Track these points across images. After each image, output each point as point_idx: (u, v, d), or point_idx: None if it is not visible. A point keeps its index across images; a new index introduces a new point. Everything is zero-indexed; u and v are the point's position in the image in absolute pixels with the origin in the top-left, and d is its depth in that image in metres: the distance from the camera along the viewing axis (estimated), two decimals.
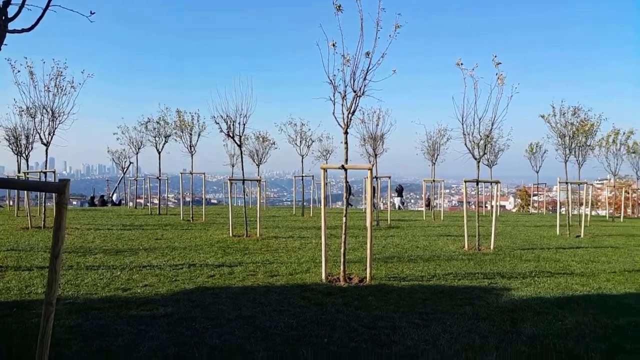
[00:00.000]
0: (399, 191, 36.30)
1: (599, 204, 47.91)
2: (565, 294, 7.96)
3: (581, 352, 5.13)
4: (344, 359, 4.79)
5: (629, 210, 38.48)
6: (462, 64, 11.85)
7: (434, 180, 25.09)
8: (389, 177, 21.08)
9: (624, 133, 25.43)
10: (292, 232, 15.71)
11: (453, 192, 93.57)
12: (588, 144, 18.49)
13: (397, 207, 37.27)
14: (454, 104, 12.44)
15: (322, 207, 8.84)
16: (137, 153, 25.83)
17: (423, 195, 27.47)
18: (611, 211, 32.38)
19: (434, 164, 23.95)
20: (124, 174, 32.55)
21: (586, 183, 19.96)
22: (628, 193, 35.58)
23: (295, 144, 23.47)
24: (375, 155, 19.33)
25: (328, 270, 8.73)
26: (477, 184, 13.65)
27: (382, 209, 25.69)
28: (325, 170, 9.14)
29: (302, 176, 24.63)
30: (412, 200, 39.76)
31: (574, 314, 6.69)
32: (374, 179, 20.27)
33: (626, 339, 5.65)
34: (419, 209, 33.27)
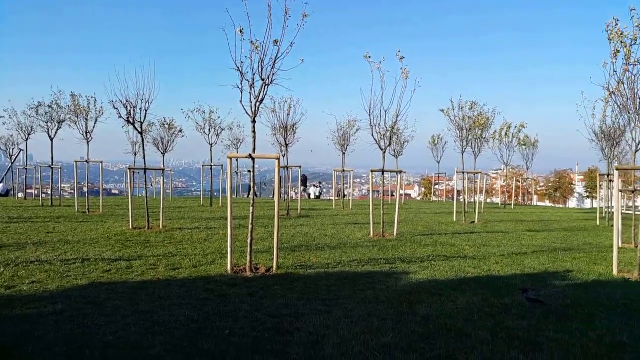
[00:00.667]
0: (303, 181, 36.91)
1: (494, 192, 52.21)
2: (459, 276, 8.60)
3: (470, 330, 5.59)
4: (245, 349, 4.80)
5: (520, 198, 42.35)
6: (370, 57, 12.26)
7: (344, 170, 25.77)
8: (300, 167, 21.30)
9: (515, 127, 27.92)
10: (198, 223, 15.35)
11: (364, 181, 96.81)
12: (483, 136, 20.06)
13: (311, 197, 37.86)
14: (362, 95, 12.85)
15: (229, 196, 8.75)
16: (26, 139, 23.65)
17: (333, 185, 28.12)
18: (504, 199, 35.46)
19: (344, 154, 24.58)
20: (12, 162, 29.68)
21: (481, 173, 21.65)
22: (519, 182, 39.15)
23: (204, 132, 22.87)
24: (287, 145, 19.42)
25: (234, 261, 8.67)
26: (383, 174, 14.24)
27: (294, 198, 25.93)
28: (233, 159, 9.02)
29: (211, 165, 24.10)
30: (325, 190, 40.65)
31: (465, 294, 7.26)
32: (285, 169, 20.37)
33: (510, 316, 6.25)
34: (330, 198, 34.02)
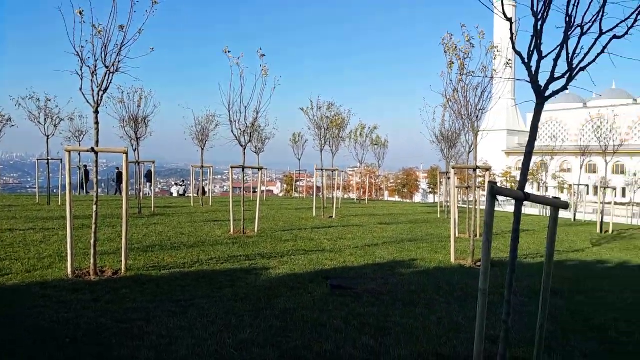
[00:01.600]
0: (148, 177, 35.21)
1: (350, 188, 55.32)
2: (317, 269, 8.96)
3: (325, 319, 5.85)
4: (90, 357, 4.42)
5: (373, 194, 45.53)
6: (229, 51, 12.11)
7: (202, 166, 25.11)
8: (153, 162, 20.22)
9: (369, 128, 29.96)
10: (33, 224, 13.70)
11: (225, 177, 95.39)
12: (340, 135, 21.17)
13: (173, 195, 36.25)
14: (221, 90, 12.63)
15: (68, 193, 7.94)
16: None
17: (191, 181, 27.25)
18: (359, 194, 37.82)
19: (203, 149, 23.95)
20: None
21: (338, 170, 22.83)
22: (372, 179, 42.06)
23: (38, 122, 20.39)
24: (137, 138, 18.29)
25: (76, 265, 7.91)
26: (244, 170, 14.20)
27: (148, 195, 24.52)
28: (73, 153, 8.21)
29: (48, 159, 21.63)
30: (190, 188, 39.30)
31: (322, 286, 7.58)
32: (136, 164, 19.16)
33: (361, 304, 6.68)
34: (189, 195, 32.87)
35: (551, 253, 4.39)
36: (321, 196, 21.89)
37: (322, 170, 20.40)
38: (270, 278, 8.10)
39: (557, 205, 4.28)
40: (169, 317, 5.70)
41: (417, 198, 67.17)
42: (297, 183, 45.56)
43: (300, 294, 7.06)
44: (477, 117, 9.79)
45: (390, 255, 10.92)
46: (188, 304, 6.31)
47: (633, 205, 46.00)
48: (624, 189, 57.95)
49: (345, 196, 42.37)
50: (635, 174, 60.49)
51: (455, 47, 9.58)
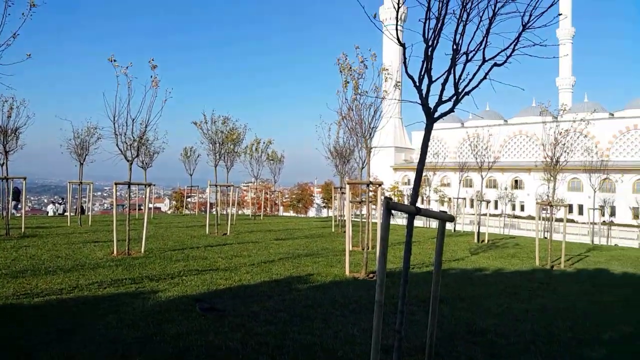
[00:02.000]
0: (15, 195, 32.05)
1: (245, 204, 54.66)
2: (211, 289, 8.67)
3: (220, 342, 5.65)
4: None
5: (268, 209, 45.46)
6: (115, 60, 11.45)
7: (81, 182, 23.23)
8: (25, 179, 18.30)
9: (264, 142, 29.98)
10: None
11: (106, 194, 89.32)
12: (235, 150, 20.89)
13: (49, 214, 33.02)
14: (105, 101, 11.85)
15: None
16: None
17: (68, 198, 25.06)
18: (254, 210, 37.52)
19: (82, 164, 22.18)
20: None
21: (233, 185, 22.47)
22: (267, 194, 42.00)
23: None
24: (6, 152, 16.52)
25: None
26: (129, 187, 13.39)
27: (16, 215, 22.10)
28: None
29: None
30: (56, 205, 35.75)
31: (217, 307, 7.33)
32: (3, 180, 17.19)
33: (259, 323, 6.57)
34: (67, 214, 30.19)
35: (439, 263, 4.70)
36: (215, 212, 21.35)
37: (216, 186, 19.93)
38: (159, 301, 7.66)
39: (444, 218, 4.59)
40: (43, 349, 5.12)
41: (312, 213, 68.40)
42: (188, 199, 44.01)
43: (194, 317, 6.77)
44: (370, 135, 10.26)
45: (287, 271, 10.93)
46: (66, 334, 5.74)
47: (504, 217, 51.13)
48: (496, 202, 64.18)
49: (240, 212, 41.81)
50: (506, 188, 67.43)
51: (350, 68, 10.00)
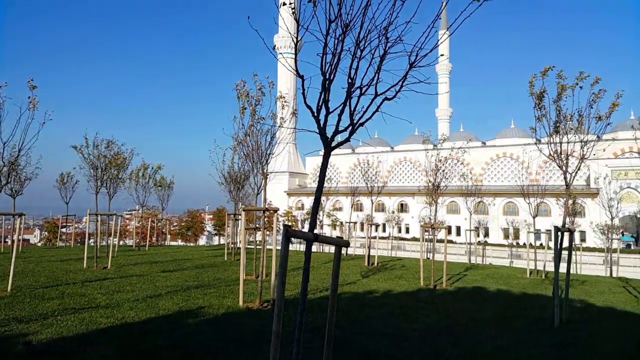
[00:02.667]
0: None
1: (127, 233, 51.47)
2: (90, 329, 7.98)
3: None
4: None
5: (154, 239, 43.22)
6: None
7: None
8: None
9: (152, 168, 28.68)
10: None
11: None
12: (120, 176, 19.71)
13: None
14: None
15: None
16: None
17: None
18: (138, 240, 35.44)
19: None
20: None
21: (115, 214, 21.09)
22: (154, 222, 39.98)
23: None
24: None
25: None
26: None
27: None
28: None
29: None
30: None
31: (98, 348, 6.77)
32: None
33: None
34: None
35: (335, 288, 4.81)
36: (93, 244, 19.81)
37: (96, 214, 18.55)
38: (30, 345, 6.89)
39: (340, 244, 4.74)
40: None
41: (202, 241, 66.33)
42: (62, 230, 40.39)
43: None
44: (267, 160, 10.32)
45: (176, 306, 10.43)
46: None
47: (392, 239, 53.83)
48: (384, 225, 67.39)
49: (122, 243, 39.25)
50: (393, 212, 71.17)
51: (248, 94, 10.04)
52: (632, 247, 54.66)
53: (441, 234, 46.17)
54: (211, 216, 69.21)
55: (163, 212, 37.47)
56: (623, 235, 53.80)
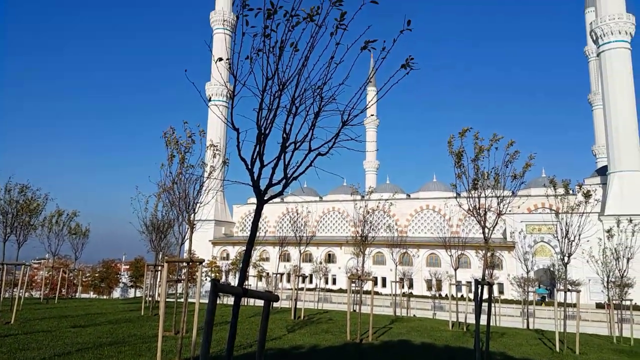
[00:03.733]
0: None
1: (35, 284, 47.52)
2: None
3: None
4: None
5: (65, 291, 40.14)
6: None
7: None
8: None
9: (67, 214, 27.02)
10: None
11: None
12: (32, 223, 18.41)
13: None
14: None
15: None
16: None
17: None
18: (46, 292, 32.75)
19: None
20: None
21: (24, 264, 19.49)
22: (65, 273, 37.23)
23: None
24: None
25: None
26: None
27: None
28: None
29: None
30: None
31: None
32: None
33: None
34: None
35: (263, 344, 4.72)
36: None
37: (2, 264, 17.04)
38: None
39: (270, 298, 4.69)
40: None
41: (116, 293, 62.53)
42: None
43: None
44: (194, 209, 10.11)
45: None
46: None
47: (318, 290, 53.53)
48: (311, 275, 67.01)
49: (28, 294, 36.08)
50: (320, 262, 71.17)
51: (177, 142, 9.93)
52: (547, 300, 57.90)
53: (368, 286, 46.66)
54: (128, 267, 65.72)
55: (76, 262, 35.08)
56: (539, 287, 56.97)
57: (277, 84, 3.52)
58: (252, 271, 55.20)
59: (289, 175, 3.60)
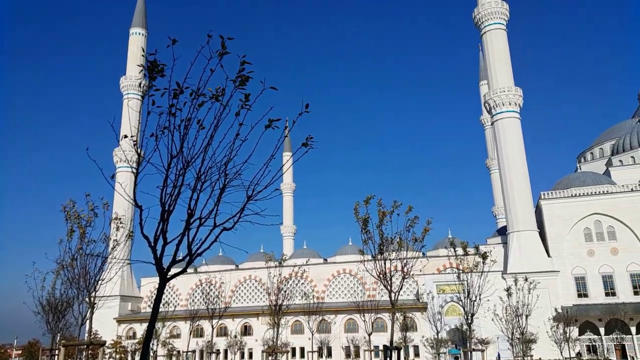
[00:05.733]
0: None
1: None
2: None
3: None
4: None
5: None
6: None
7: None
8: None
9: None
10: None
11: None
12: None
13: None
14: None
15: None
16: None
17: None
18: None
19: None
20: None
21: None
22: None
23: None
24: None
25: None
26: None
27: None
28: None
29: None
30: None
31: None
32: None
33: None
34: None
35: None
36: None
37: None
38: None
39: None
40: None
41: None
42: None
43: None
44: (95, 287, 9.50)
45: None
46: None
47: None
48: (226, 351, 63.77)
49: None
50: (235, 336, 68.11)
51: (78, 215, 9.46)
52: None
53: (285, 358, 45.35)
54: (20, 352, 58.87)
55: None
56: (452, 348, 57.98)
57: (182, 161, 3.62)
58: (161, 350, 51.59)
59: (193, 252, 3.63)
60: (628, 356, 51.25)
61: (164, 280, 3.63)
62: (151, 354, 47.78)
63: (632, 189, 59.43)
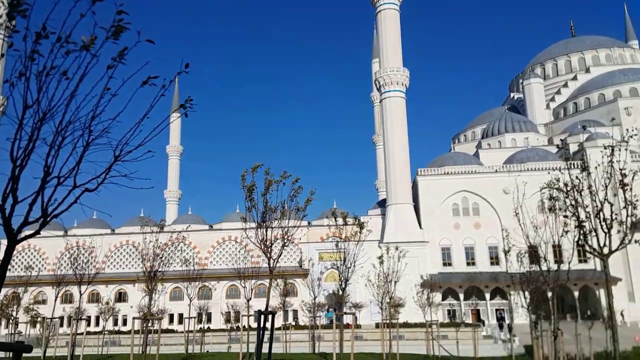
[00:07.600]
0: None
1: None
2: None
3: None
4: None
5: None
6: None
7: None
8: None
9: None
10: None
11: None
12: None
13: None
14: None
15: None
16: None
17: None
18: None
19: None
20: None
21: None
22: None
23: None
24: None
25: None
26: None
27: None
28: None
29: None
30: None
31: None
32: None
33: None
34: None
35: None
36: None
37: None
38: None
39: (20, 349, 4.19)
40: None
41: None
42: None
43: None
44: None
45: None
46: None
47: (105, 333, 48.69)
48: (97, 317, 60.74)
49: None
50: (107, 302, 64.99)
51: None
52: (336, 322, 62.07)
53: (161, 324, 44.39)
54: None
55: None
56: (328, 312, 60.85)
57: (38, 112, 3.26)
58: (23, 317, 47.72)
59: (49, 213, 3.34)
60: (481, 319, 57.85)
61: (13, 241, 3.31)
62: (11, 319, 44.01)
63: (495, 170, 65.96)
